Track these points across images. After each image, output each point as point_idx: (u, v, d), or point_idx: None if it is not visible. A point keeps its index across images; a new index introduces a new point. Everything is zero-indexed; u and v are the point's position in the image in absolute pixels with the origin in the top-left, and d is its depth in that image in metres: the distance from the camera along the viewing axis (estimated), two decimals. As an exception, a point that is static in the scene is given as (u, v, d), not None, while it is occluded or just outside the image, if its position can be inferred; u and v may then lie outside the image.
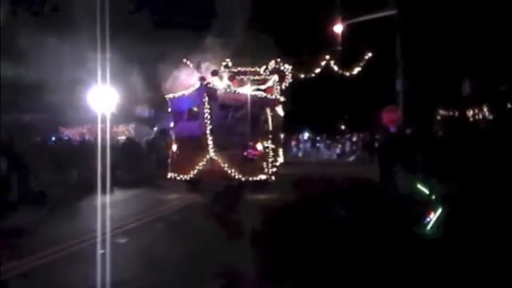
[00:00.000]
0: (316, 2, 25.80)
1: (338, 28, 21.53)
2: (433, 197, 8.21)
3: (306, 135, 39.32)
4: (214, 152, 13.73)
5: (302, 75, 18.80)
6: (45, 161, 14.08)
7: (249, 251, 6.74)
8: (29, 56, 17.12)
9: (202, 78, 14.17)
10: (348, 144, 33.13)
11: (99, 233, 6.57)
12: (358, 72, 20.47)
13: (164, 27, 20.67)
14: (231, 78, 15.50)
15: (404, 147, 10.52)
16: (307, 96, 29.09)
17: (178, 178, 14.21)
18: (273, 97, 15.93)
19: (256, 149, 14.06)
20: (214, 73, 14.89)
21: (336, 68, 19.67)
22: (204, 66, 14.97)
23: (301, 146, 38.01)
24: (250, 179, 13.81)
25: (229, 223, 8.91)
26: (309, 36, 24.61)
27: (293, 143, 37.94)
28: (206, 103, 13.73)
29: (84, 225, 8.50)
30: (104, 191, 7.68)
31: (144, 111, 23.54)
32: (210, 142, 13.68)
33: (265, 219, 9.24)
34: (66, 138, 20.43)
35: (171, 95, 14.83)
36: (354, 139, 32.53)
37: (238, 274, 5.93)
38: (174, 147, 14.62)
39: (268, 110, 15.30)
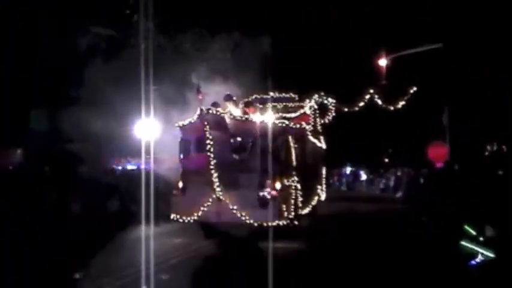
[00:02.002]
0: (361, 36, 25.83)
1: (382, 62, 21.44)
2: (481, 238, 7.86)
3: (349, 169, 38.90)
4: (222, 190, 11.64)
5: (345, 109, 18.59)
6: (91, 191, 14.27)
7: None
8: (80, 88, 17.66)
9: (214, 104, 12.75)
10: (392, 178, 32.47)
11: (143, 267, 6.56)
12: (403, 105, 20.21)
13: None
14: (249, 104, 14.08)
15: (452, 184, 10.19)
16: (350, 130, 28.89)
17: (180, 220, 12.18)
18: (299, 126, 13.81)
19: (274, 189, 11.82)
20: (228, 98, 13.41)
21: (379, 101, 19.48)
22: (206, 90, 13.29)
23: (343, 180, 37.60)
24: (265, 224, 11.42)
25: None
26: (353, 70, 24.56)
27: (335, 177, 37.60)
28: (207, 133, 11.55)
29: (125, 259, 8.51)
30: (147, 223, 7.70)
31: None
32: (215, 179, 11.58)
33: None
34: (119, 167, 20.66)
35: (180, 123, 12.86)
36: (399, 173, 31.89)
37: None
38: (180, 184, 12.54)
39: (292, 141, 13.09)
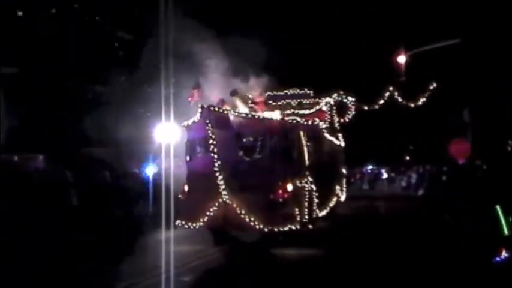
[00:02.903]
0: (379, 33, 25.67)
1: (401, 59, 21.24)
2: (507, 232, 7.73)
3: (370, 167, 38.69)
4: (228, 194, 10.52)
5: (365, 107, 18.42)
6: (112, 195, 14.41)
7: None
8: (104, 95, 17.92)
9: (221, 101, 12.02)
10: (414, 176, 32.15)
11: (163, 270, 6.58)
12: (424, 102, 20.01)
13: None
14: (258, 100, 13.37)
15: (474, 180, 10.01)
16: (370, 128, 28.74)
17: (186, 227, 11.17)
18: (312, 123, 12.93)
19: (285, 190, 10.84)
20: (233, 93, 12.60)
21: (400, 99, 19.29)
22: (206, 85, 12.82)
23: (365, 178, 37.40)
24: (276, 229, 10.57)
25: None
26: (372, 68, 24.42)
27: (357, 176, 37.42)
28: (210, 132, 10.41)
29: (147, 262, 8.55)
30: (167, 226, 7.73)
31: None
32: (220, 182, 10.45)
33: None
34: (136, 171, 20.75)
35: (185, 123, 11.85)
36: (421, 170, 31.56)
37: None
38: (186, 188, 11.57)
39: (305, 139, 12.00)
